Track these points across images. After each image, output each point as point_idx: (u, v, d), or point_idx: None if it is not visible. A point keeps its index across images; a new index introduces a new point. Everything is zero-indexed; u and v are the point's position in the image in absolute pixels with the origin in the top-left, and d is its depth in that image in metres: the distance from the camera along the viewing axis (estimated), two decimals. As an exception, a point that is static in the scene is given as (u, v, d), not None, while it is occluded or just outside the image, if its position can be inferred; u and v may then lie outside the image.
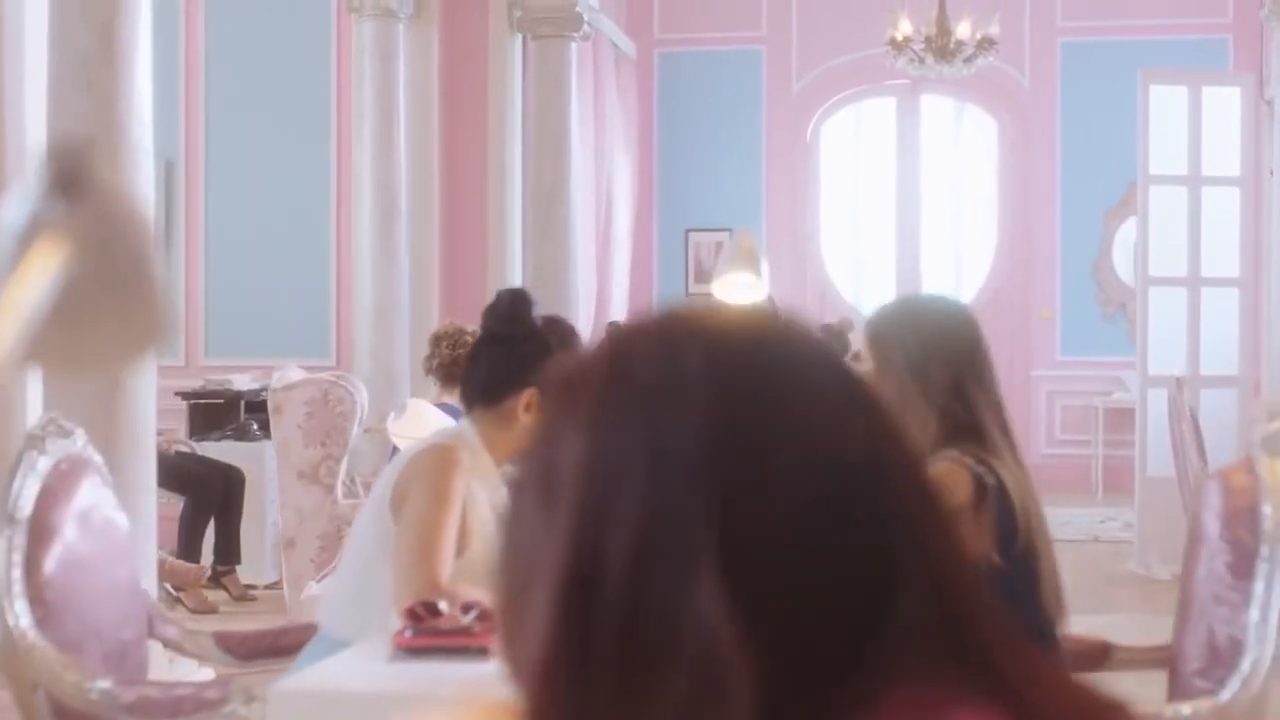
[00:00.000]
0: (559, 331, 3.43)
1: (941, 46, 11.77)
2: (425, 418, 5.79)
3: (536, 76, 10.61)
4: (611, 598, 0.90)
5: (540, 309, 3.39)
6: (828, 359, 0.98)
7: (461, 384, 3.42)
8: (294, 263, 10.63)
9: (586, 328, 11.75)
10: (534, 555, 0.94)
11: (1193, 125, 9.24)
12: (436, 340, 6.63)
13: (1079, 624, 7.24)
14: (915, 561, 0.93)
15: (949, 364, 2.93)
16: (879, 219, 14.59)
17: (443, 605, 2.85)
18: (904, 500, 0.95)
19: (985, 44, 11.88)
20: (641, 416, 0.93)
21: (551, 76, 10.56)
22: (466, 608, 2.84)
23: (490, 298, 11.13)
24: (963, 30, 11.79)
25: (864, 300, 14.64)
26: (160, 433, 8.95)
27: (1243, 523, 2.96)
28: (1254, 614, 2.85)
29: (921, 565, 0.93)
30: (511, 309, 3.38)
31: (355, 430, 7.57)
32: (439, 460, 3.19)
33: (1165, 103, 9.32)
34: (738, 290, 3.94)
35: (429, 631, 2.80)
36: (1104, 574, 9.38)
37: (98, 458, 3.52)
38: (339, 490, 7.47)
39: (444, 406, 6.54)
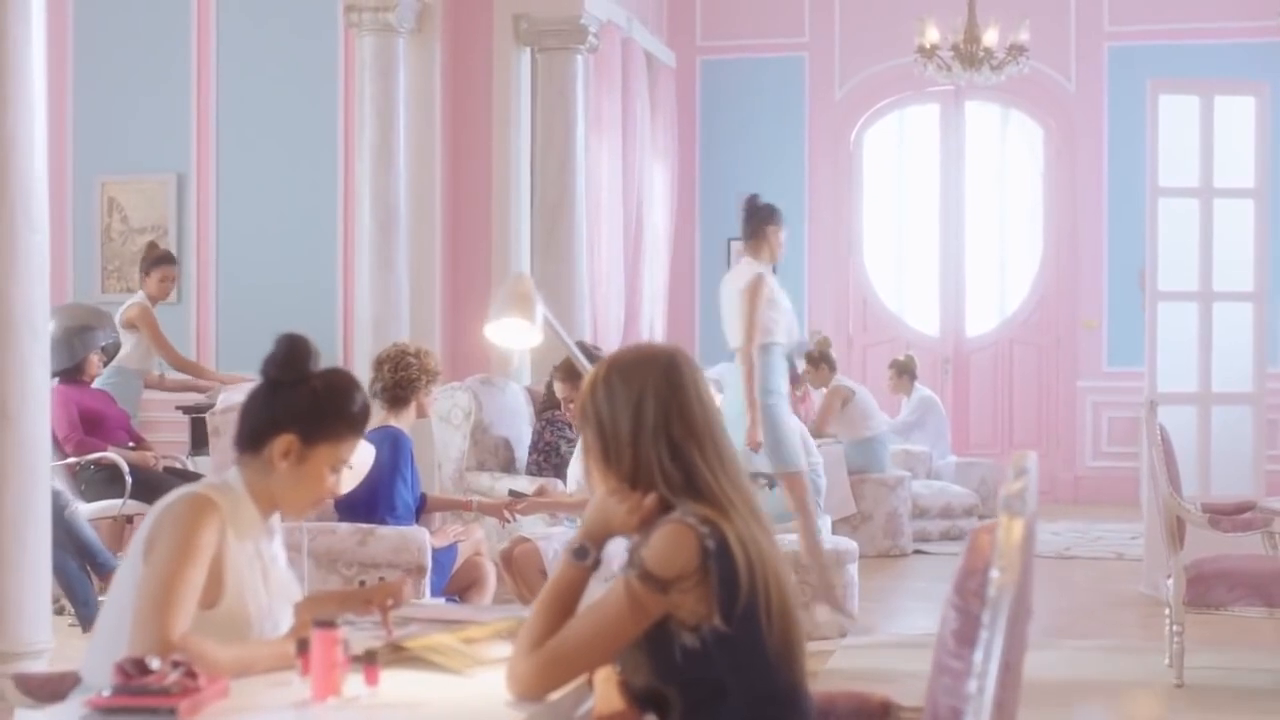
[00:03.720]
0: (333, 382, 3.35)
1: (969, 54, 11.58)
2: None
3: (542, 90, 10.52)
4: None
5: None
6: None
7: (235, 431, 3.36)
8: (303, 276, 10.66)
9: (615, 340, 11.64)
10: None
11: (1204, 135, 8.99)
12: (379, 363, 6.59)
13: (1058, 649, 7.07)
14: None
15: (655, 420, 2.81)
16: (923, 226, 14.39)
17: (154, 663, 2.79)
18: None
19: (1015, 51, 11.67)
20: None
21: (557, 90, 10.46)
22: (175, 665, 2.78)
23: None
24: (990, 38, 11.59)
25: (907, 309, 14.44)
26: (149, 449, 9.03)
27: (972, 587, 2.83)
28: (972, 685, 2.72)
29: None
30: (288, 355, 3.31)
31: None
32: (191, 509, 3.14)
33: (1179, 112, 9.08)
34: (511, 335, 3.83)
35: (127, 691, 2.74)
36: (1111, 594, 9.17)
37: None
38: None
39: (386, 429, 6.50)
